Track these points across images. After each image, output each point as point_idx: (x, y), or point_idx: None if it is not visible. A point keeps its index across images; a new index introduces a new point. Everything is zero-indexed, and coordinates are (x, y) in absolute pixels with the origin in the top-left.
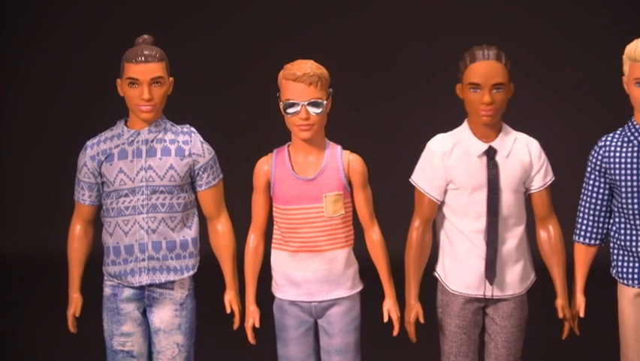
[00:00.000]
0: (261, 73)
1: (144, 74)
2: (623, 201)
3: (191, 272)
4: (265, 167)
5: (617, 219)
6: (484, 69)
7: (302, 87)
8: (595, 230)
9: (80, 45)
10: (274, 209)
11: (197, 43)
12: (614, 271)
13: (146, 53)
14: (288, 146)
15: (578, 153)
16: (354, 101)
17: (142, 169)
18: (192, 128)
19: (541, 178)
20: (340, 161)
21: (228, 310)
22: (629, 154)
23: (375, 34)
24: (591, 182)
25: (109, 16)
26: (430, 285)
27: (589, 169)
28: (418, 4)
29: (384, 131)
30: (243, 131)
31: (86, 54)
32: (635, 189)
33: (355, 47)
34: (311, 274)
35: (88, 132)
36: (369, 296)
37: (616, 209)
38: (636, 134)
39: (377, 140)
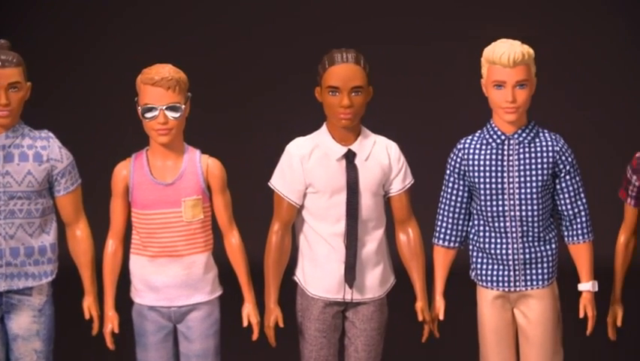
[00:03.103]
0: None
1: (1, 79)
2: (482, 203)
3: (50, 278)
4: (123, 172)
5: (476, 222)
6: (343, 72)
7: (160, 91)
8: (454, 232)
9: None
10: (133, 214)
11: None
12: (473, 273)
13: (2, 57)
14: (147, 150)
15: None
16: (214, 105)
17: None
18: (50, 134)
19: (401, 181)
20: (199, 165)
21: (87, 316)
22: (488, 156)
23: (232, 37)
24: (450, 184)
25: None
26: (290, 289)
27: (448, 172)
28: (276, 6)
29: (244, 135)
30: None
31: None
32: (494, 191)
33: (213, 50)
34: (170, 279)
35: None
36: (229, 301)
37: (475, 211)
38: (495, 136)
39: (236, 144)
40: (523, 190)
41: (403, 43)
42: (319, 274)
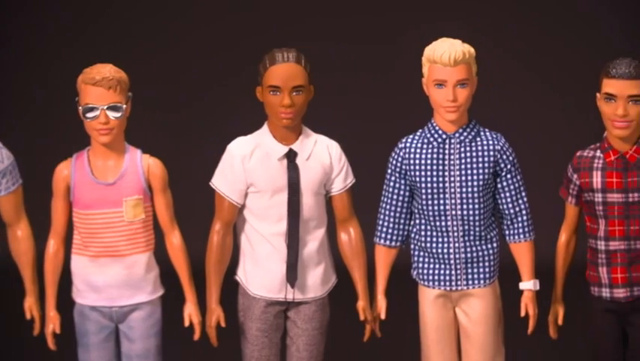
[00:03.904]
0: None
1: None
2: (423, 202)
3: None
4: (65, 172)
5: (417, 221)
6: (284, 72)
7: (101, 91)
8: (395, 232)
9: None
10: (74, 214)
11: None
12: (415, 272)
13: None
14: (88, 150)
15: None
16: (154, 105)
17: None
18: None
19: (342, 181)
20: (140, 165)
21: (28, 316)
22: (429, 155)
23: (173, 38)
24: (391, 183)
25: None
26: (231, 289)
27: (389, 171)
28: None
29: (185, 135)
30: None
31: None
32: (435, 190)
33: (156, 50)
34: (111, 279)
35: None
36: (171, 301)
37: (416, 210)
38: (436, 135)
39: (177, 144)
40: (464, 189)
41: (344, 42)
42: (261, 273)
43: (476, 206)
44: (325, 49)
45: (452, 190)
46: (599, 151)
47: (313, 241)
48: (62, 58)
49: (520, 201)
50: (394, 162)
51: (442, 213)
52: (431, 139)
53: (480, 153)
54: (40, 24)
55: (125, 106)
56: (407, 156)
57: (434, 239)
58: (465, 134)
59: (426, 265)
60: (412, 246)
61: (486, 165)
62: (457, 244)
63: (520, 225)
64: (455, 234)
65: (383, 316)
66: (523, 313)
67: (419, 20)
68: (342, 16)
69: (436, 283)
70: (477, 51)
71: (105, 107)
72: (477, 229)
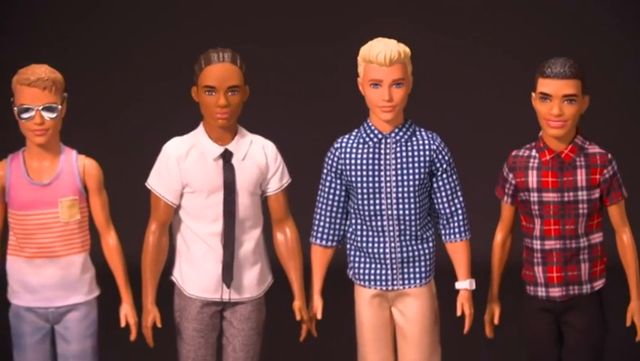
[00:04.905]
0: None
1: None
2: (359, 202)
3: None
4: (0, 173)
5: (353, 221)
6: (219, 72)
7: (36, 92)
8: (331, 232)
9: None
10: (9, 215)
11: None
12: (351, 272)
13: None
14: (23, 151)
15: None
16: (90, 105)
17: None
18: None
19: (278, 180)
20: (76, 166)
21: None
22: (365, 155)
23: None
24: (327, 183)
25: None
26: (168, 289)
27: (325, 171)
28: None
29: (121, 135)
30: None
31: None
32: (371, 190)
33: (91, 50)
34: (47, 280)
35: None
36: (107, 301)
37: (352, 210)
38: (372, 135)
39: (113, 144)
40: (400, 189)
41: (280, 42)
42: (197, 273)
43: (412, 206)
44: (261, 49)
45: (388, 190)
46: (534, 150)
47: (249, 241)
48: (5, 57)
49: (456, 201)
50: (330, 162)
51: (378, 213)
52: (367, 139)
53: (416, 153)
54: None
55: (60, 107)
56: (343, 156)
57: (370, 239)
58: (401, 133)
59: (362, 265)
60: (348, 246)
61: (422, 164)
62: (392, 244)
63: (456, 224)
64: (391, 234)
65: (319, 316)
66: (459, 313)
67: (358, 22)
68: (279, 16)
69: (372, 282)
70: (411, 46)
71: (40, 108)
72: (413, 228)
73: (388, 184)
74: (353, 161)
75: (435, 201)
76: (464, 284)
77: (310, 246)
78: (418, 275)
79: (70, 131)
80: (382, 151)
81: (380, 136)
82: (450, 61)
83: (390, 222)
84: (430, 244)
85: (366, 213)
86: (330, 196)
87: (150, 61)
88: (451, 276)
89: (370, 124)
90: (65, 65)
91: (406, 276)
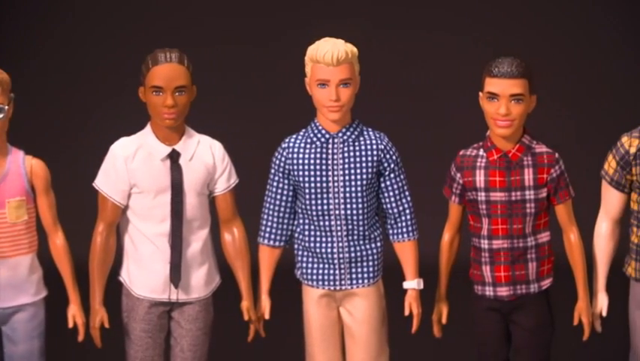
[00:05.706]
0: None
1: None
2: (307, 202)
3: None
4: None
5: (301, 221)
6: (166, 72)
7: None
8: (279, 232)
9: None
10: None
11: None
12: (299, 272)
13: None
14: None
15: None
16: (38, 105)
17: None
18: None
19: (225, 181)
20: (23, 166)
21: None
22: (312, 155)
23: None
24: (275, 183)
25: None
26: (115, 290)
27: (272, 171)
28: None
29: (69, 135)
30: None
31: None
32: (319, 190)
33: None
34: None
35: None
36: (55, 302)
37: (300, 210)
38: (319, 135)
39: (61, 144)
40: (347, 189)
41: (227, 42)
42: (144, 274)
43: (360, 205)
44: (209, 49)
45: (335, 190)
46: (482, 150)
47: (197, 241)
48: None
49: (404, 201)
50: (277, 161)
51: (326, 212)
52: (314, 139)
53: (363, 153)
54: None
55: (6, 107)
56: (290, 155)
57: (318, 239)
58: (348, 133)
59: (310, 265)
60: (296, 246)
61: (369, 164)
62: (340, 244)
63: (403, 224)
64: (339, 233)
65: (267, 316)
66: (407, 312)
67: (303, 21)
68: (227, 16)
69: (320, 282)
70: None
71: None
72: (360, 228)
73: (336, 184)
74: (300, 161)
75: (382, 200)
76: (412, 284)
77: (258, 246)
78: (365, 275)
79: (17, 131)
80: (330, 151)
81: (327, 136)
82: (397, 60)
83: (338, 222)
84: (378, 244)
85: (314, 213)
86: (278, 196)
87: (98, 60)
88: (399, 276)
89: (318, 124)
90: (12, 64)
91: (353, 276)
